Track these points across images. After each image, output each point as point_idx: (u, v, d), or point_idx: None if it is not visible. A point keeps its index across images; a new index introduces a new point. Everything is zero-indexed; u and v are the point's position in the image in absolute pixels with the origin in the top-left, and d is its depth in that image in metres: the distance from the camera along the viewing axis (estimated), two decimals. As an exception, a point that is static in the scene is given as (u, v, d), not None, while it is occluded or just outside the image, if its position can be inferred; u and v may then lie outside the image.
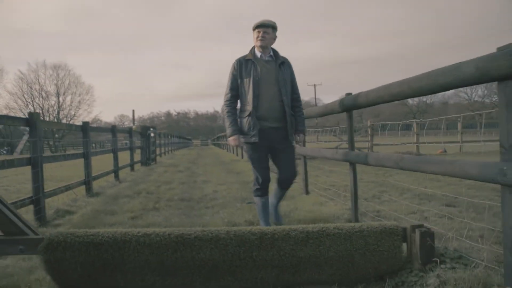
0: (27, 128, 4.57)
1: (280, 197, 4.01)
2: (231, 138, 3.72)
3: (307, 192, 6.07)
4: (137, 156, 13.27)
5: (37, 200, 4.51)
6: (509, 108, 1.94)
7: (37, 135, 4.52)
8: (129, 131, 11.92)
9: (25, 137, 47.65)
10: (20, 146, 46.30)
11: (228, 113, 3.76)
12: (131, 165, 11.36)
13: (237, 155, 18.68)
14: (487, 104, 62.08)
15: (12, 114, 53.35)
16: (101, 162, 10.99)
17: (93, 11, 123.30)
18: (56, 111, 58.03)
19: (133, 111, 47.01)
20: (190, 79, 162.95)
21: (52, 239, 2.35)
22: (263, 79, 3.70)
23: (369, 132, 15.43)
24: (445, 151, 17.35)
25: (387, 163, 3.13)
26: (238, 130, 3.71)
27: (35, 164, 4.49)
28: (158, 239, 2.33)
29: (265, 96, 3.69)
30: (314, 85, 65.94)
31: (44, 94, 57.05)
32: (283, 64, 3.78)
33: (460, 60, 2.18)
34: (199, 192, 6.83)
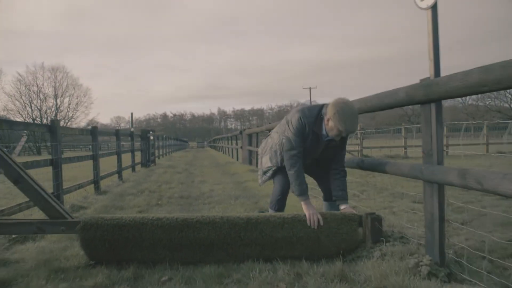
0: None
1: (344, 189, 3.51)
2: (304, 204, 3.27)
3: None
4: (137, 158, 13.95)
5: (57, 196, 5.19)
6: (427, 124, 2.66)
7: (57, 140, 5.22)
8: (131, 134, 12.64)
9: (24, 139, 48.21)
10: (18, 148, 46.82)
11: (296, 171, 3.30)
12: (133, 167, 12.07)
13: (232, 157, 19.37)
14: (480, 107, 63.03)
15: (10, 116, 53.84)
16: (102, 163, 11.66)
17: (88, 11, 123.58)
18: (54, 113, 58.54)
19: (132, 114, 47.59)
20: (186, 81, 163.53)
21: (87, 222, 3.05)
22: (310, 155, 3.46)
23: (358, 136, 16.16)
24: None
25: (351, 164, 3.85)
26: (307, 191, 3.33)
27: (56, 164, 5.19)
28: (168, 222, 3.03)
29: (308, 155, 3.44)
30: (310, 88, 66.85)
31: (42, 96, 57.54)
32: (335, 145, 3.38)
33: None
34: (197, 190, 7.52)
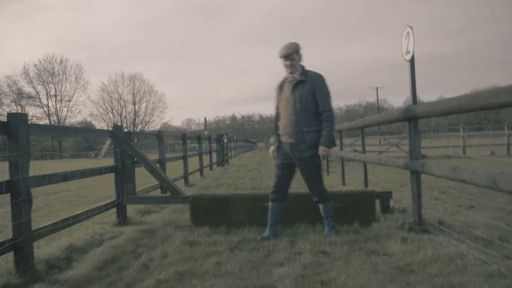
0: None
1: (322, 214, 4.17)
2: (270, 148, 4.45)
3: (343, 184, 8.27)
4: (212, 158, 15.96)
5: (161, 187, 7.12)
6: (410, 134, 4.14)
7: (163, 144, 7.16)
8: (209, 138, 14.74)
9: (108, 142, 52.99)
10: (103, 150, 51.58)
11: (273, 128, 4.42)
12: (210, 166, 14.10)
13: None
14: None
15: (95, 121, 59.32)
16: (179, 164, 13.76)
17: (152, 21, 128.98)
18: (133, 117, 63.37)
19: (205, 118, 51.78)
20: (249, 83, 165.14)
21: (195, 196, 4.82)
22: (283, 100, 4.14)
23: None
24: (493, 152, 18.53)
25: (363, 159, 5.34)
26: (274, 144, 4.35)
27: (162, 163, 7.13)
28: (245, 196, 4.72)
29: (283, 114, 4.15)
30: (376, 88, 66.73)
31: (122, 103, 62.66)
32: (302, 83, 4.02)
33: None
34: (266, 184, 9.19)
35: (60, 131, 4.37)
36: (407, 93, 4.31)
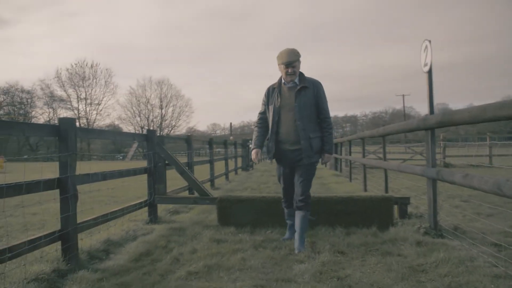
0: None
1: (299, 225, 4.02)
2: (252, 151, 4.24)
3: (365, 190, 8.45)
4: (234, 163, 16.27)
5: (190, 188, 7.47)
6: (427, 142, 4.34)
7: (191, 148, 7.52)
8: (234, 143, 15.10)
9: (135, 145, 54.10)
10: (130, 153, 52.65)
11: (255, 130, 4.34)
12: (235, 170, 14.44)
13: (321, 163, 21.06)
14: None
15: (123, 124, 60.76)
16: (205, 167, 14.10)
17: (177, 26, 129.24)
18: (159, 122, 64.46)
19: (231, 123, 52.64)
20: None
21: (222, 197, 5.12)
22: (283, 106, 4.02)
23: (441, 145, 17.07)
24: (521, 163, 18.26)
25: (384, 166, 5.54)
26: (259, 146, 4.22)
27: (190, 166, 7.48)
28: (268, 198, 4.99)
29: (284, 121, 4.02)
30: (403, 95, 66.03)
31: (149, 107, 63.85)
32: (304, 89, 3.97)
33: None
34: (288, 189, 9.46)
35: (101, 134, 4.76)
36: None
